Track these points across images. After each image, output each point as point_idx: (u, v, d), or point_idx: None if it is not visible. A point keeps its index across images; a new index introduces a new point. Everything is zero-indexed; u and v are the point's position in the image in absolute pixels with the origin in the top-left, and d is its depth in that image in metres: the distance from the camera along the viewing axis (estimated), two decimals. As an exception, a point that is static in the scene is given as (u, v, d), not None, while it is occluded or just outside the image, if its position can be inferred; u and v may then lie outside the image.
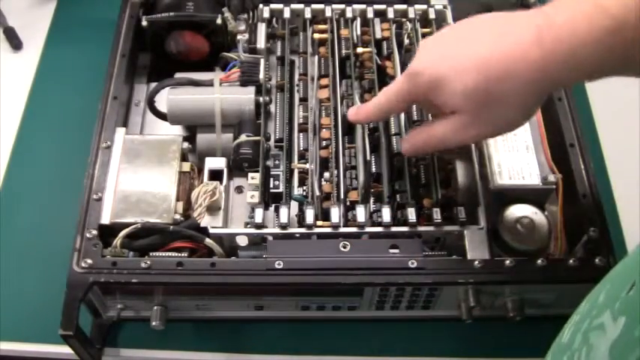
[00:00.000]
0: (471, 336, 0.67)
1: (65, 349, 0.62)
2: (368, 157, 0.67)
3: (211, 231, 0.62)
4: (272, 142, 0.70)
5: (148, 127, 0.75)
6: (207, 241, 0.62)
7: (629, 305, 0.36)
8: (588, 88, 0.85)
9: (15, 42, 0.88)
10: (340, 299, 0.64)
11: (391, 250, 0.60)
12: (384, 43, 0.76)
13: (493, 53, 0.50)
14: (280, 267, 0.59)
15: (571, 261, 0.61)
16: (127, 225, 0.62)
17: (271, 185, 0.67)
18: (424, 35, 0.75)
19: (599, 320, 0.38)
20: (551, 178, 0.64)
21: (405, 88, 0.57)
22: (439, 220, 0.62)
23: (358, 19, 0.77)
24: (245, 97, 0.71)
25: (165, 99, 0.71)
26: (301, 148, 0.68)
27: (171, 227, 0.62)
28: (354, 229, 0.62)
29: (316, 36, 0.76)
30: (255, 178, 0.66)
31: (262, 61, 0.73)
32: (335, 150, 0.67)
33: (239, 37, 0.75)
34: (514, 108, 0.52)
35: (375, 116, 0.63)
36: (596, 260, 0.61)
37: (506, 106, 0.52)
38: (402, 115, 0.69)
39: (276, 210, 0.65)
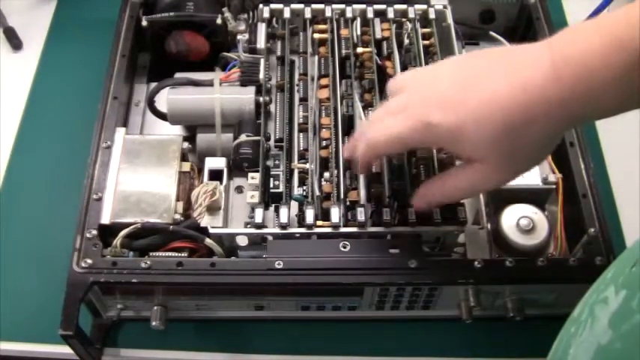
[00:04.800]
0: (471, 336, 0.67)
1: (65, 349, 0.62)
2: (368, 157, 0.67)
3: (211, 231, 0.62)
4: (272, 142, 0.70)
5: (148, 127, 0.75)
6: (207, 241, 0.62)
7: (630, 279, 0.38)
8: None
9: (15, 42, 0.88)
10: (340, 299, 0.64)
11: (391, 250, 0.60)
12: (384, 43, 0.76)
13: (513, 98, 0.46)
14: (280, 267, 0.59)
15: (571, 261, 0.61)
16: (127, 225, 0.62)
17: (271, 185, 0.67)
18: (424, 35, 0.75)
19: (604, 294, 0.39)
20: (551, 178, 0.64)
21: (417, 137, 0.52)
22: (439, 220, 0.62)
23: (358, 19, 0.77)
24: (245, 97, 0.71)
25: (165, 99, 0.71)
26: (301, 148, 0.68)
27: (171, 227, 0.62)
28: (354, 229, 0.62)
29: (316, 36, 0.76)
30: (255, 178, 0.66)
31: (262, 61, 0.73)
32: (335, 150, 0.67)
33: (239, 37, 0.75)
34: (538, 149, 0.50)
35: (372, 160, 0.62)
36: (596, 260, 0.61)
37: (530, 149, 0.49)
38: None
39: (276, 210, 0.65)
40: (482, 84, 0.48)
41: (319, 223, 0.63)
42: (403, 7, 0.77)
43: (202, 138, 0.71)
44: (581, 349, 0.40)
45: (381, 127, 0.54)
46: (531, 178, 0.65)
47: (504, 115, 0.47)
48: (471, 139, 0.48)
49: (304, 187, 0.66)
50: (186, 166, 0.67)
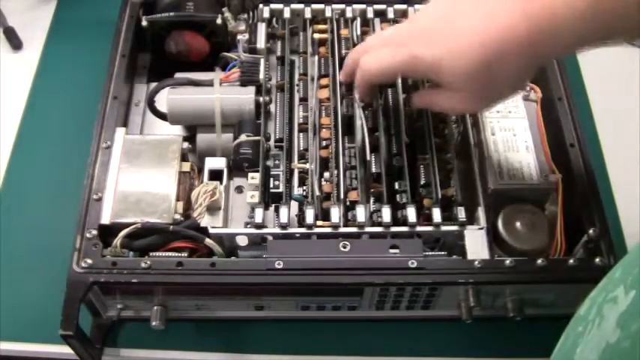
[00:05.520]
0: (471, 336, 0.67)
1: (65, 349, 0.62)
2: (368, 157, 0.67)
3: (211, 231, 0.62)
4: (272, 142, 0.70)
5: (148, 127, 0.75)
6: (207, 241, 0.62)
7: None
8: (588, 87, 0.85)
9: (15, 42, 0.88)
10: (340, 299, 0.64)
11: (391, 250, 0.60)
12: (384, 43, 0.76)
13: (488, 33, 0.52)
14: (280, 267, 0.59)
15: (571, 261, 0.61)
16: (127, 225, 0.62)
17: (271, 185, 0.67)
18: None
19: (613, 294, 0.40)
20: (551, 178, 0.64)
21: (405, 69, 0.59)
22: (439, 220, 0.62)
23: (358, 19, 0.77)
24: (245, 97, 0.71)
25: (165, 99, 0.71)
26: (301, 148, 0.68)
27: (171, 227, 0.62)
28: (354, 229, 0.62)
29: (316, 36, 0.76)
30: (255, 178, 0.66)
31: (262, 61, 0.73)
32: (335, 150, 0.67)
33: (239, 37, 0.75)
34: (510, 83, 0.56)
35: (368, 88, 0.65)
36: (596, 260, 0.61)
37: (502, 83, 0.55)
38: (402, 115, 0.69)
39: (276, 210, 0.65)
40: (462, 22, 0.54)
41: (319, 223, 0.63)
42: (403, 7, 0.77)
43: (202, 138, 0.71)
44: (589, 348, 0.40)
45: (372, 58, 0.60)
46: (531, 178, 0.65)
47: (480, 50, 0.52)
48: (450, 70, 0.54)
49: (304, 187, 0.66)
50: (186, 166, 0.67)
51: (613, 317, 0.39)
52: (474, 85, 0.55)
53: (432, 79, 0.58)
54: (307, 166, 0.67)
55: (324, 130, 0.69)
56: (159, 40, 0.76)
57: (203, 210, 0.63)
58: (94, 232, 0.61)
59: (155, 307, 0.63)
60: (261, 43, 0.75)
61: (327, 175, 0.67)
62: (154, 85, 0.73)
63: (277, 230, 0.62)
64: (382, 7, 0.77)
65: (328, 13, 0.76)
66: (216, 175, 0.67)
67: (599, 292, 0.42)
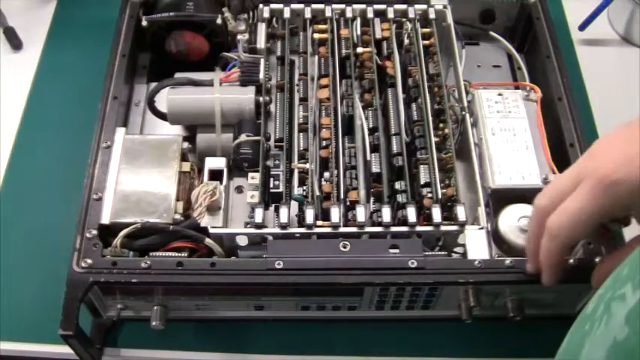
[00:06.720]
0: (471, 336, 0.67)
1: (65, 349, 0.62)
2: (368, 157, 0.67)
3: (211, 231, 0.62)
4: (272, 142, 0.70)
5: (148, 127, 0.75)
6: (207, 241, 0.62)
7: None
8: (588, 87, 0.85)
9: (15, 42, 0.88)
10: (340, 299, 0.64)
11: (391, 250, 0.60)
12: (384, 43, 0.76)
13: None
14: (280, 267, 0.59)
15: (571, 261, 0.61)
16: (127, 225, 0.62)
17: (271, 185, 0.67)
18: (424, 35, 0.75)
19: (621, 291, 0.39)
20: (551, 178, 0.64)
21: (601, 203, 0.47)
22: (439, 220, 0.62)
23: (358, 19, 0.77)
24: (245, 97, 0.71)
25: (165, 99, 0.71)
26: (301, 148, 0.68)
27: (171, 227, 0.62)
28: (354, 229, 0.62)
29: (316, 36, 0.76)
30: (255, 178, 0.66)
31: (262, 61, 0.73)
32: (335, 150, 0.67)
33: (239, 37, 0.75)
34: None
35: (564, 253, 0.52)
36: (596, 260, 0.61)
37: None
38: (402, 116, 0.69)
39: (276, 210, 0.65)
40: None
41: (319, 223, 0.63)
42: (403, 7, 0.77)
43: (202, 138, 0.71)
44: (596, 345, 0.40)
45: (561, 215, 0.49)
46: (531, 178, 0.65)
47: None
48: None
49: (304, 187, 0.66)
50: (186, 166, 0.67)
51: (621, 314, 0.39)
52: None
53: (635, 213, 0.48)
54: (307, 166, 0.67)
55: (324, 130, 0.69)
56: (159, 40, 0.77)
57: (203, 210, 0.63)
58: (94, 232, 0.61)
59: (155, 307, 0.63)
60: (261, 43, 0.75)
61: (327, 175, 0.67)
62: (153, 85, 0.73)
63: (277, 230, 0.62)
64: (382, 7, 0.77)
65: (328, 13, 0.76)
66: (216, 175, 0.67)
67: (606, 290, 0.42)
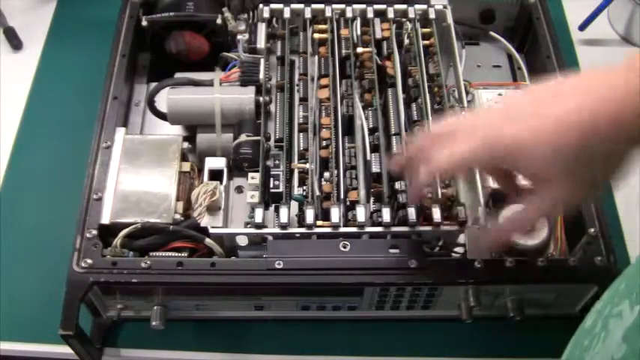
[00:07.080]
0: (471, 336, 0.67)
1: (65, 349, 0.62)
2: (368, 157, 0.67)
3: (211, 231, 0.62)
4: (272, 142, 0.70)
5: (148, 127, 0.75)
6: (207, 241, 0.62)
7: None
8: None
9: (15, 42, 0.88)
10: (340, 299, 0.64)
11: (391, 250, 0.60)
12: (384, 43, 0.76)
13: (581, 110, 0.44)
14: (280, 267, 0.59)
15: (571, 261, 0.61)
16: (127, 225, 0.62)
17: (271, 185, 0.67)
18: (424, 35, 0.75)
19: (618, 308, 0.40)
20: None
21: (476, 159, 0.50)
22: (439, 220, 0.62)
23: (358, 19, 0.77)
24: (245, 97, 0.71)
25: (165, 99, 0.71)
26: (301, 148, 0.68)
27: (171, 227, 0.62)
28: (354, 229, 0.62)
29: (316, 36, 0.76)
30: (255, 178, 0.66)
31: (262, 61, 0.73)
32: (335, 150, 0.67)
33: (239, 37, 0.75)
34: (609, 167, 0.46)
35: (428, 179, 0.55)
36: (596, 260, 0.61)
37: (602, 166, 0.46)
38: (402, 116, 0.69)
39: (276, 210, 0.65)
40: (557, 102, 0.45)
41: (319, 223, 0.63)
42: (403, 7, 0.77)
43: (202, 138, 0.71)
44: None
45: (446, 155, 0.50)
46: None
47: (580, 131, 0.44)
48: (543, 153, 0.45)
49: (304, 187, 0.66)
50: (186, 166, 0.67)
51: (619, 332, 0.39)
52: (571, 169, 0.45)
53: (513, 168, 0.50)
54: (307, 166, 0.67)
55: (324, 130, 0.69)
56: (159, 40, 0.77)
57: (203, 210, 0.63)
58: (94, 232, 0.61)
59: (155, 307, 0.63)
60: (261, 43, 0.75)
61: (327, 175, 0.67)
62: (153, 85, 0.73)
63: (277, 230, 0.62)
64: (382, 7, 0.77)
65: (328, 13, 0.76)
66: (216, 175, 0.67)
67: (604, 305, 0.42)
